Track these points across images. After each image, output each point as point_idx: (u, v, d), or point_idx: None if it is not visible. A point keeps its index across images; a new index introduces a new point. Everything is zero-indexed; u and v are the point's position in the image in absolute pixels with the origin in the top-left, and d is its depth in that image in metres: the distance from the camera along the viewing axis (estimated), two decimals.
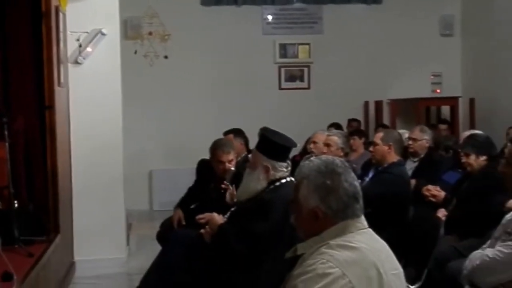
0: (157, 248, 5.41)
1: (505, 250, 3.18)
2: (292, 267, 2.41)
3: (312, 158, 2.53)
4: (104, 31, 6.93)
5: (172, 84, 10.60)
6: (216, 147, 5.64)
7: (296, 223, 2.49)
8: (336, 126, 9.89)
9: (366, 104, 11.30)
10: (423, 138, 7.02)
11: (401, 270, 2.49)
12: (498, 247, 3.24)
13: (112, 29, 7.03)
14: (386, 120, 10.87)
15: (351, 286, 2.23)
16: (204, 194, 5.79)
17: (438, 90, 11.44)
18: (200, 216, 4.57)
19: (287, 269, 2.45)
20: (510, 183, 3.35)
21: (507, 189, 3.49)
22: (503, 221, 3.44)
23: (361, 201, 2.45)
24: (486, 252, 3.27)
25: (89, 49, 6.92)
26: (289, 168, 4.22)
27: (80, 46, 6.87)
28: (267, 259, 3.73)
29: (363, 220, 2.46)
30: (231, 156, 5.62)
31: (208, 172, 5.85)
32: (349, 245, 2.33)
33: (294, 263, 2.44)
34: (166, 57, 10.29)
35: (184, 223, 5.66)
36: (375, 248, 2.39)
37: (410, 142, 7.01)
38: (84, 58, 6.92)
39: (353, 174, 2.46)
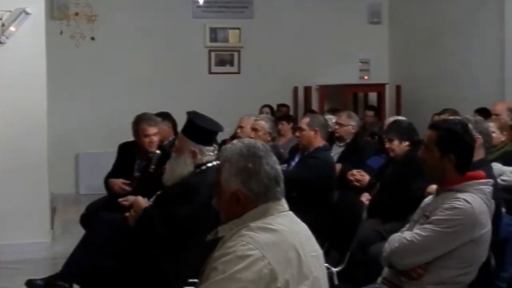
0: (82, 232, 5.34)
1: (423, 233, 3.26)
2: (213, 250, 2.42)
3: (234, 142, 2.54)
4: (28, 10, 6.76)
5: (99, 66, 10.43)
6: (141, 121, 5.58)
7: (218, 206, 2.51)
8: (269, 107, 10.03)
9: (295, 89, 11.39)
10: (349, 123, 7.15)
11: (320, 252, 2.53)
12: (416, 230, 3.32)
13: (37, 8, 6.86)
14: (314, 105, 10.98)
15: (271, 268, 2.25)
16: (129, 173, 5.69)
17: (366, 77, 11.62)
18: (123, 199, 4.53)
19: (208, 251, 2.46)
20: (428, 168, 3.43)
21: (425, 174, 3.57)
22: (422, 204, 3.53)
23: (282, 184, 2.47)
24: (405, 235, 3.35)
25: (12, 28, 6.75)
26: (216, 152, 4.21)
27: (2, 25, 6.70)
28: (192, 243, 3.73)
29: (284, 203, 2.49)
30: (156, 129, 5.58)
31: (131, 153, 5.76)
32: (269, 228, 2.35)
33: (215, 245, 2.45)
34: (93, 38, 10.09)
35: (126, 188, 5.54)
36: (295, 231, 2.42)
37: (337, 127, 7.12)
38: (7, 38, 6.74)
39: (274, 158, 2.49)
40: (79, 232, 5.49)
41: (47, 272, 5.48)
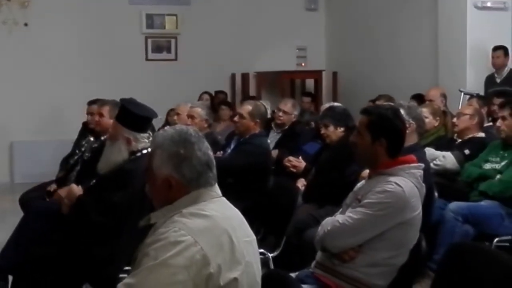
0: (17, 222, 5.24)
1: (355, 216, 3.32)
2: (145, 236, 2.42)
3: (166, 128, 2.54)
4: None
5: (33, 53, 10.21)
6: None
7: (150, 192, 2.51)
8: (209, 94, 10.05)
9: (233, 76, 11.40)
10: (293, 112, 7.27)
11: (253, 237, 2.55)
12: (348, 213, 3.38)
13: None
14: (252, 92, 11.01)
15: (203, 253, 2.26)
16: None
17: (303, 64, 11.69)
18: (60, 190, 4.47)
19: (141, 238, 2.46)
20: (360, 153, 3.49)
21: (356, 158, 3.64)
22: (355, 188, 3.59)
23: (214, 170, 2.49)
24: (337, 218, 3.40)
25: None
26: (151, 139, 4.19)
27: None
28: (126, 230, 3.71)
29: (216, 189, 2.50)
30: (100, 110, 5.56)
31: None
32: (201, 213, 2.36)
33: (147, 232, 2.45)
34: (26, 24, 9.89)
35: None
36: (227, 216, 2.44)
37: (280, 114, 7.19)
38: None
39: (206, 144, 2.50)
40: (15, 221, 5.38)
41: None
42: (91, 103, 6.98)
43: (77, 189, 4.26)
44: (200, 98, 9.70)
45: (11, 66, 10.10)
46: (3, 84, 9.99)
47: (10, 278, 4.80)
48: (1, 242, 5.15)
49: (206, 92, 10.17)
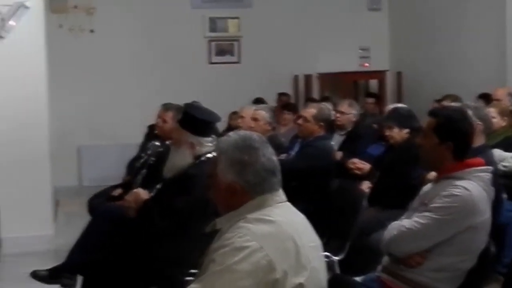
0: (85, 224, 5.36)
1: (421, 221, 3.27)
2: (211, 241, 2.44)
3: (230, 133, 2.54)
4: (27, 4, 6.75)
5: (99, 58, 10.42)
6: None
7: (214, 198, 2.51)
8: (260, 101, 9.98)
9: (296, 78, 11.37)
10: (350, 112, 7.15)
11: (319, 242, 2.53)
12: (414, 218, 3.33)
13: (36, 2, 6.86)
14: (315, 93, 10.97)
15: (269, 259, 2.26)
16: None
17: (366, 64, 11.59)
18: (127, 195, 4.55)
19: (207, 243, 2.47)
20: (425, 155, 3.44)
21: (421, 161, 3.58)
22: (421, 192, 3.54)
23: (279, 175, 2.48)
24: (403, 223, 3.36)
25: (11, 22, 6.74)
26: (215, 143, 4.21)
27: (2, 19, 6.69)
28: (189, 235, 3.74)
29: (281, 194, 2.49)
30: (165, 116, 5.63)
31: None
32: (266, 219, 2.36)
33: (213, 237, 2.47)
34: (92, 31, 10.10)
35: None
36: (292, 221, 2.43)
37: (338, 115, 7.12)
38: (7, 32, 6.73)
39: (271, 149, 2.49)
40: (83, 224, 5.50)
41: (51, 264, 5.48)
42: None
43: (144, 193, 4.32)
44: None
45: (77, 72, 10.31)
46: (69, 89, 10.20)
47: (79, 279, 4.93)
48: (70, 244, 5.28)
49: (257, 100, 10.01)
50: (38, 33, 6.92)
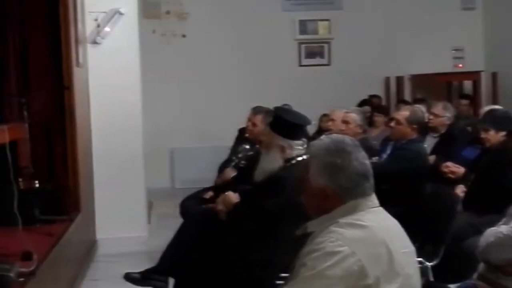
0: (178, 226, 5.45)
1: None
2: (303, 245, 2.42)
3: (322, 137, 2.52)
4: (122, 10, 6.94)
5: (191, 62, 10.61)
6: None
7: (306, 201, 2.50)
8: (363, 103, 9.91)
9: (387, 79, 11.24)
10: (444, 115, 6.98)
11: (412, 248, 2.48)
12: None
13: (130, 8, 7.04)
14: (407, 95, 10.80)
15: (361, 264, 2.23)
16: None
17: (460, 65, 11.33)
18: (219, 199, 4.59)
19: (298, 247, 2.46)
20: None
21: None
22: None
23: (371, 180, 2.44)
24: (501, 229, 3.26)
25: (107, 28, 6.94)
26: (305, 146, 4.20)
27: (98, 26, 6.89)
28: (279, 237, 3.74)
29: (373, 198, 2.45)
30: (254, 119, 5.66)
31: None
32: (358, 224, 2.32)
33: (304, 241, 2.45)
34: (184, 35, 10.29)
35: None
36: (385, 226, 2.38)
37: (431, 117, 6.97)
38: (102, 38, 6.93)
39: (363, 153, 2.45)
40: (175, 226, 5.60)
41: (145, 265, 5.61)
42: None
43: (234, 197, 4.35)
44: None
45: (170, 76, 10.54)
46: (163, 93, 10.43)
47: (171, 281, 5.02)
48: (164, 245, 5.38)
49: (364, 102, 10.00)
50: (133, 39, 7.10)
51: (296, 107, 4.56)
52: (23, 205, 4.83)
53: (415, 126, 5.60)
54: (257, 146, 5.24)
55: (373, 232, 2.32)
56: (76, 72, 6.19)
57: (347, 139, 2.47)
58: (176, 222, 5.85)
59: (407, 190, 5.20)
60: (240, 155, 5.79)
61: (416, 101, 9.15)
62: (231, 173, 5.64)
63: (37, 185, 5.57)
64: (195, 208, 5.25)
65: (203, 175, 8.24)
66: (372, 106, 9.75)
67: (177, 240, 4.95)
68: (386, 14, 11.08)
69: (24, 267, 4.02)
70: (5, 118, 5.20)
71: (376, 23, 11.05)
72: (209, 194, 5.87)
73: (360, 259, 2.23)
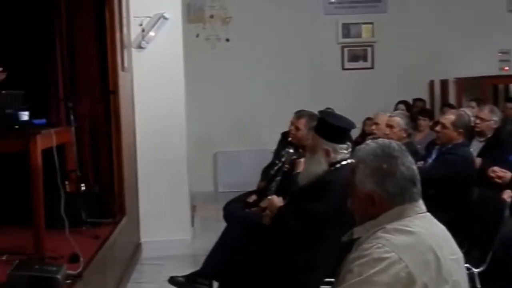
0: (221, 229, 5.47)
1: None
2: (349, 251, 2.41)
3: (368, 142, 2.51)
4: (166, 15, 7.00)
5: (234, 66, 10.66)
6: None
7: (352, 207, 2.48)
8: (405, 103, 9.85)
9: (431, 83, 11.13)
10: (491, 119, 6.86)
11: (460, 255, 2.44)
12: None
13: (174, 13, 7.10)
14: (451, 99, 10.68)
15: (408, 271, 2.20)
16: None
17: (507, 68, 11.16)
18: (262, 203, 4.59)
19: (344, 252, 2.45)
20: None
21: None
22: None
23: (418, 185, 2.41)
24: None
25: (152, 33, 7.01)
26: (350, 150, 4.17)
27: (143, 30, 6.97)
28: (324, 241, 3.73)
29: (421, 204, 2.42)
30: (297, 122, 5.64)
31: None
32: (406, 229, 2.30)
33: (350, 246, 2.43)
34: (227, 40, 10.33)
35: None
36: (433, 233, 2.35)
37: (478, 121, 6.87)
38: (147, 43, 7.00)
39: (410, 158, 2.43)
40: (219, 229, 5.63)
41: (188, 268, 5.65)
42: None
43: (278, 201, 4.35)
44: (395, 108, 9.53)
45: (214, 80, 10.60)
46: (207, 97, 10.50)
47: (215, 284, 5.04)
48: (207, 248, 5.42)
49: (402, 102, 9.97)
50: (177, 43, 7.15)
51: (339, 111, 4.53)
52: (70, 208, 4.92)
53: (461, 130, 5.53)
54: (301, 150, 5.22)
55: (420, 238, 2.29)
56: (122, 76, 6.27)
57: (394, 144, 2.45)
58: (219, 225, 5.88)
59: (454, 195, 5.13)
60: (283, 159, 5.78)
61: (474, 100, 8.99)
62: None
63: (83, 189, 5.66)
64: (238, 212, 5.27)
65: (246, 178, 8.26)
66: (417, 110, 9.65)
67: (221, 244, 4.97)
68: (430, 17, 10.97)
69: (71, 269, 4.08)
70: (53, 122, 5.29)
71: (420, 26, 10.95)
72: (253, 198, 5.89)
73: (408, 266, 2.21)
